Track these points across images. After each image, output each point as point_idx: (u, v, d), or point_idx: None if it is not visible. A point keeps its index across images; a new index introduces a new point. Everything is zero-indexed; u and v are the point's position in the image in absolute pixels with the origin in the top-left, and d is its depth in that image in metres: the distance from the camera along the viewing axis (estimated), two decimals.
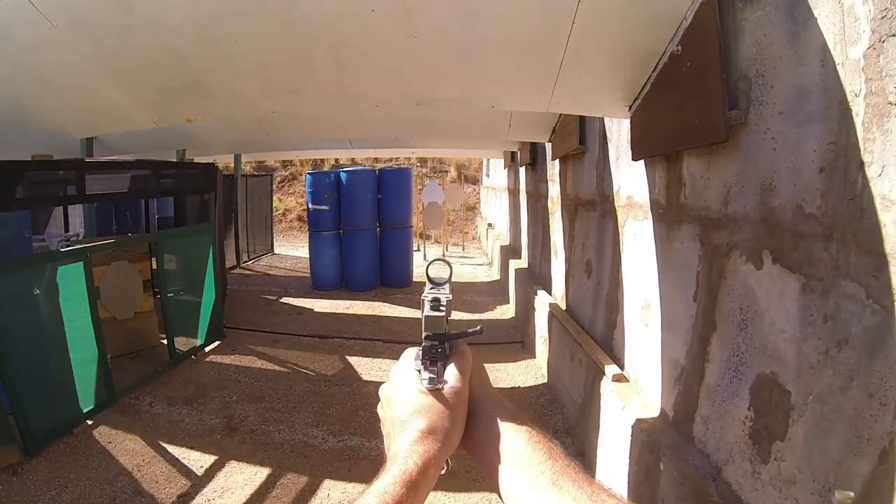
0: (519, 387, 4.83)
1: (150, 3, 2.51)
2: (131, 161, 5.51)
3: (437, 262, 0.76)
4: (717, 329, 2.03)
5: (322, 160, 16.63)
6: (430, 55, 2.56)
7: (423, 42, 2.42)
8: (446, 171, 17.84)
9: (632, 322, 3.02)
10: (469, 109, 4.02)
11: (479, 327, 0.70)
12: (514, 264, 7.49)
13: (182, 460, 3.68)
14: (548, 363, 4.78)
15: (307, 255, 10.14)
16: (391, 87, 2.99)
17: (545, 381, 4.84)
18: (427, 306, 0.69)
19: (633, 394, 2.87)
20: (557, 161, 4.92)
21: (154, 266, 5.78)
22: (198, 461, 3.68)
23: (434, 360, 0.67)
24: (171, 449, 3.81)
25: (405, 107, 3.61)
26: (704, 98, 1.90)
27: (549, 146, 5.25)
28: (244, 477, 3.50)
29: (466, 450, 0.66)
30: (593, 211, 3.77)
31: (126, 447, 3.85)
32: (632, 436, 2.58)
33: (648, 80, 2.23)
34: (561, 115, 4.22)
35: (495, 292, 8.83)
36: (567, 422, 4.00)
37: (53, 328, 4.01)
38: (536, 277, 6.13)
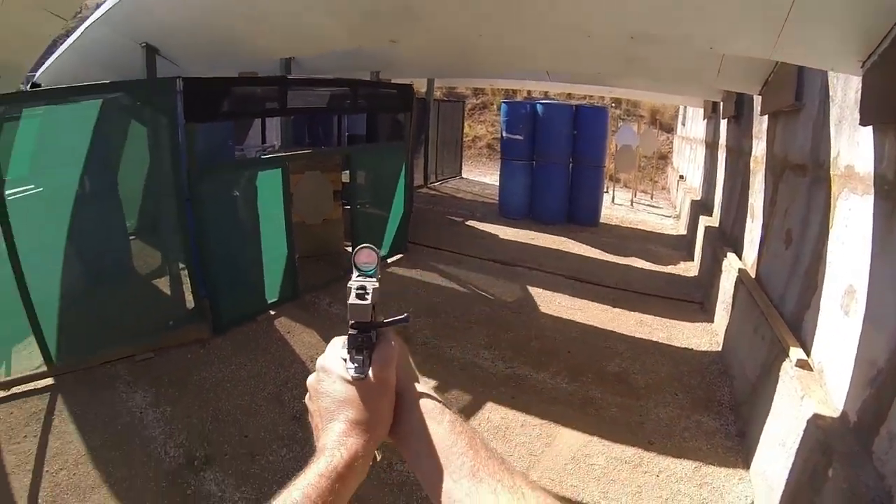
0: (692, 349, 4.59)
1: None
2: (331, 78, 5.78)
3: (365, 248, 0.72)
4: None
5: (514, 91, 16.46)
6: None
7: None
8: (641, 116, 16.60)
9: (829, 306, 2.68)
10: (682, 49, 3.67)
11: (405, 315, 0.69)
12: (703, 221, 6.92)
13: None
14: (726, 331, 4.45)
15: (495, 183, 10.36)
16: (608, 18, 2.84)
17: (719, 348, 4.53)
18: (352, 294, 0.67)
19: (815, 385, 2.59)
20: (766, 117, 4.35)
21: (346, 179, 6.23)
22: None
23: (360, 349, 0.65)
24: None
25: (615, 41, 3.41)
26: None
27: (757, 99, 4.63)
28: None
29: (394, 439, 0.66)
30: (803, 176, 3.31)
31: (303, 339, 4.20)
32: (805, 430, 2.36)
33: (891, 31, 1.85)
34: (776, 65, 3.67)
35: (681, 246, 8.29)
36: (734, 397, 3.74)
37: (250, 226, 4.46)
38: (727, 238, 5.61)
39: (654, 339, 4.75)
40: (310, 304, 4.94)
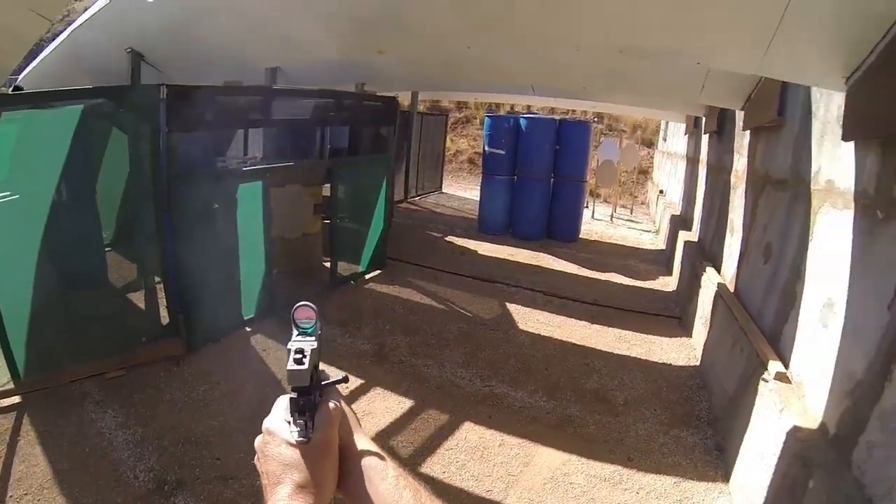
0: (671, 364, 4.60)
1: None
2: (315, 90, 5.71)
3: (303, 306, 0.73)
4: None
5: (497, 105, 16.55)
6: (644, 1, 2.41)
7: None
8: (623, 131, 16.81)
9: (808, 319, 2.69)
10: (668, 64, 3.69)
11: (343, 375, 0.72)
12: (683, 236, 6.99)
13: (329, 374, 4.08)
14: (704, 346, 4.47)
15: (475, 198, 10.31)
16: (596, 30, 2.84)
17: (697, 363, 4.56)
18: (290, 360, 0.67)
19: (793, 398, 2.59)
20: (748, 132, 4.41)
21: (327, 192, 6.01)
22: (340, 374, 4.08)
23: (302, 411, 0.67)
24: (321, 366, 4.20)
25: (604, 54, 3.42)
26: None
27: (740, 115, 4.71)
28: (387, 404, 3.65)
29: (343, 495, 0.68)
30: (783, 192, 3.34)
31: (279, 357, 4.02)
32: (784, 443, 2.36)
33: (876, 47, 1.87)
34: (760, 81, 3.73)
35: (659, 261, 8.37)
36: (712, 411, 3.75)
37: (228, 239, 4.31)
38: (706, 253, 5.66)
39: (633, 354, 4.75)
40: (286, 321, 4.84)
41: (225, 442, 3.18)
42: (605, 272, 7.53)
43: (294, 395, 0.68)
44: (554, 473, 3.10)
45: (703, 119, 6.87)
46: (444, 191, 13.89)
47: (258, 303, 4.70)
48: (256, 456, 0.69)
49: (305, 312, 0.73)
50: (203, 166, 4.77)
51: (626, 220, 12.68)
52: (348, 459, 0.69)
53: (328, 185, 5.76)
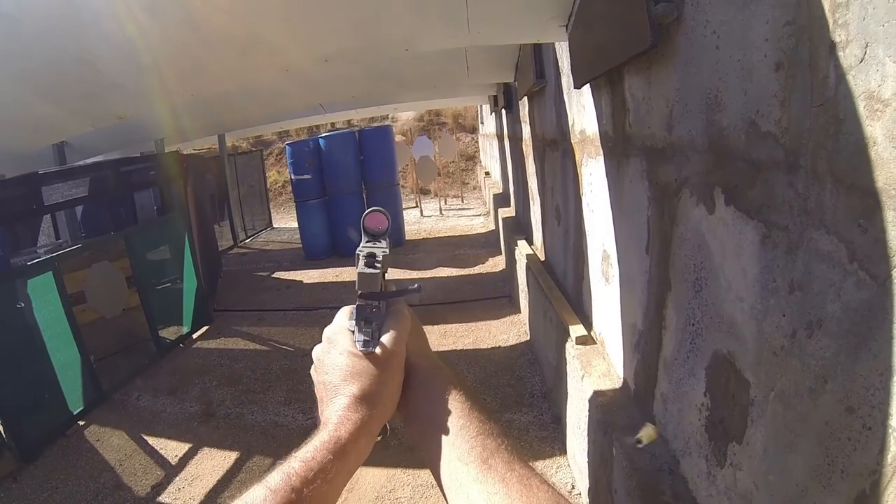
0: (500, 346, 4.49)
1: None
2: (86, 165, 5.53)
3: (374, 212, 0.69)
4: (672, 289, 1.60)
5: (317, 126, 16.04)
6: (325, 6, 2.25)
7: None
8: (444, 122, 17.08)
9: (595, 275, 2.60)
10: (411, 56, 3.67)
11: (416, 285, 0.65)
12: (502, 213, 7.04)
13: (160, 451, 3.69)
14: (529, 320, 4.39)
15: None
16: (298, 48, 2.74)
17: (528, 338, 4.47)
18: (361, 262, 0.62)
19: (598, 359, 2.47)
20: (525, 100, 4.41)
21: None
22: (174, 450, 3.67)
23: (368, 320, 0.62)
24: (152, 440, 3.82)
25: (314, 66, 3.30)
26: None
27: (515, 84, 4.72)
28: (214, 463, 3.47)
29: (402, 416, 0.63)
30: (556, 151, 3.28)
31: (112, 443, 3.86)
32: (589, 411, 2.21)
33: None
34: (520, 48, 3.75)
35: (491, 243, 8.39)
36: (545, 384, 3.65)
37: (31, 338, 4.00)
38: (521, 226, 5.68)
39: (459, 347, 4.60)
40: (118, 403, 4.50)
41: None
42: (431, 269, 7.38)
43: (361, 302, 0.62)
44: (379, 492, 2.93)
45: (498, 97, 6.93)
46: (274, 226, 13.25)
47: (83, 393, 4.39)
48: (314, 365, 0.65)
49: (376, 219, 0.68)
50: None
51: (458, 208, 12.78)
52: (414, 376, 0.63)
53: None
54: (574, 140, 2.67)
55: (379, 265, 0.62)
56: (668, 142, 1.48)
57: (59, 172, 4.86)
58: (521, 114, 4.99)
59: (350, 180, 8.82)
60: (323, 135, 9.60)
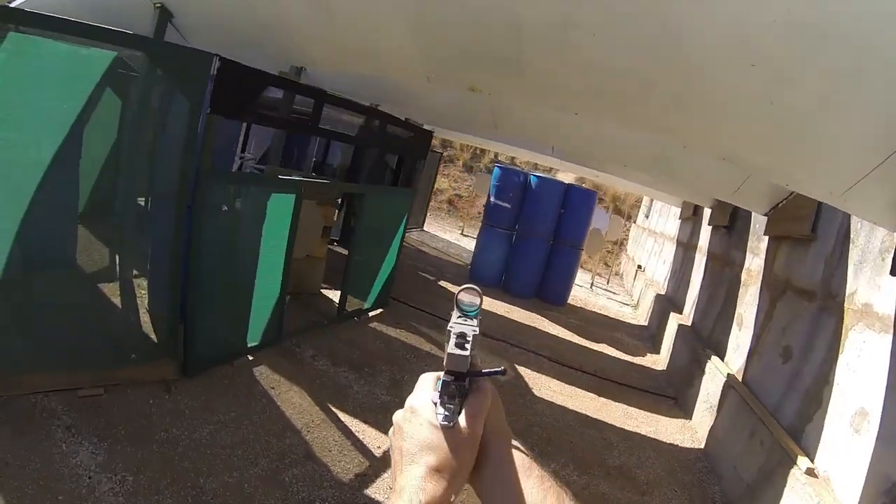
0: (676, 445, 4.84)
1: None
2: (366, 106, 5.25)
3: (468, 289, 0.71)
4: None
5: (482, 151, 16.51)
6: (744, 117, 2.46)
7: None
8: (601, 200, 17.58)
9: (837, 422, 3.04)
10: (717, 162, 3.65)
11: (502, 368, 0.69)
12: (675, 318, 7.42)
13: (357, 434, 3.51)
14: (710, 431, 4.77)
15: (457, 242, 10.02)
16: (704, 139, 3.01)
17: (701, 446, 4.83)
18: (452, 341, 0.65)
19: (825, 492, 2.91)
20: (767, 238, 4.88)
21: (337, 218, 5.78)
22: (374, 440, 3.49)
23: (452, 396, 0.64)
24: (343, 417, 3.66)
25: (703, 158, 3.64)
26: None
27: (755, 216, 5.18)
28: None
29: (473, 487, 0.66)
30: (808, 302, 3.76)
31: (291, 400, 3.70)
32: None
33: None
34: (791, 193, 4.08)
35: (644, 337, 8.80)
36: (725, 496, 4.01)
37: (249, 255, 3.83)
38: (704, 340, 6.07)
39: (642, 432, 4.97)
40: (291, 353, 4.42)
41: None
42: (596, 342, 7.81)
43: (448, 378, 0.65)
44: None
45: (708, 210, 7.21)
46: (425, 229, 13.81)
47: (265, 329, 4.19)
48: (392, 429, 0.68)
49: (470, 295, 0.71)
50: (223, 162, 4.28)
51: (604, 289, 13.20)
52: (490, 450, 0.66)
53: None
54: (850, 306, 3.17)
55: (468, 347, 0.64)
56: None
57: (343, 100, 4.79)
58: (750, 243, 5.42)
59: (545, 226, 9.29)
60: (536, 174, 10.07)
